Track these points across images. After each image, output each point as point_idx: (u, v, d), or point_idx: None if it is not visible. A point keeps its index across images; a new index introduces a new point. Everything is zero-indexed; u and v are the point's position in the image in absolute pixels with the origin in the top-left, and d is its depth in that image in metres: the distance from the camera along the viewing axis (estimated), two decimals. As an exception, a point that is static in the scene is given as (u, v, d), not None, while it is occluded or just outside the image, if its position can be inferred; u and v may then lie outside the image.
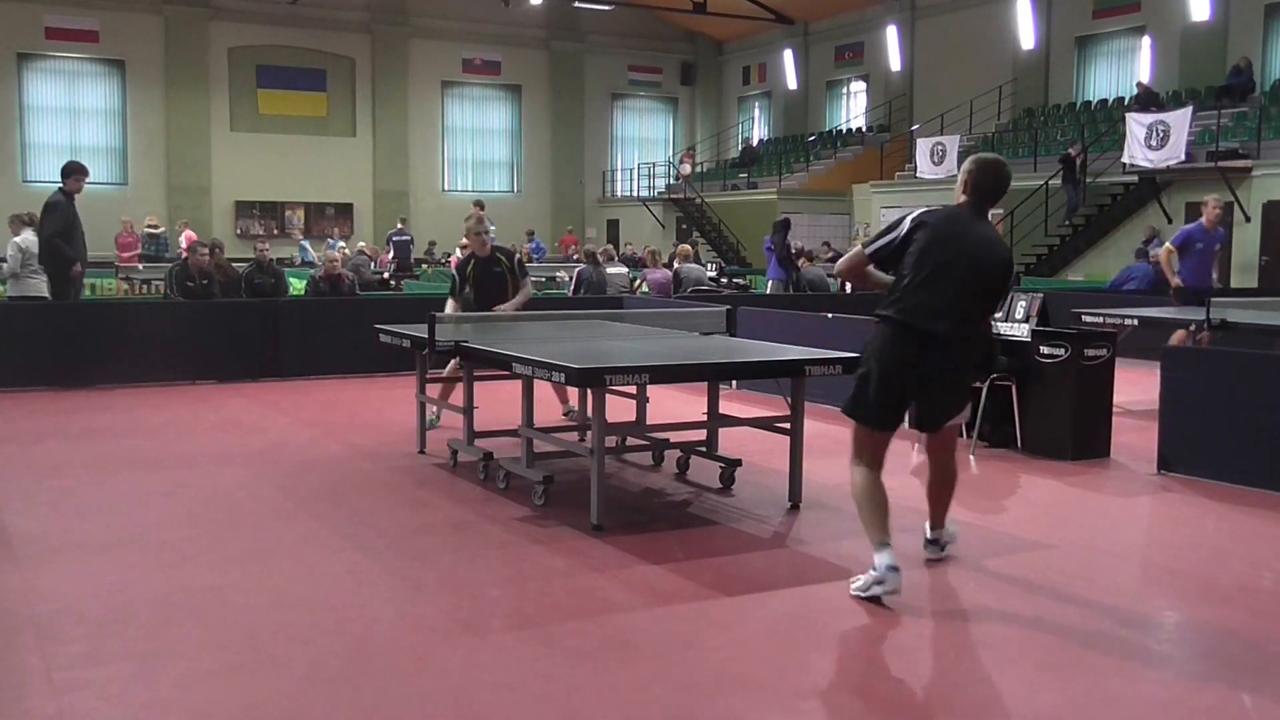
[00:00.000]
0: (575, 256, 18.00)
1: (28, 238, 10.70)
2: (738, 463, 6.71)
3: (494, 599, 4.63)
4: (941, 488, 5.11)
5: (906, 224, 4.77)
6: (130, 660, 3.93)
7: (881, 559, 4.50)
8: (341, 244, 22.85)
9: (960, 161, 25.28)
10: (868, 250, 4.91)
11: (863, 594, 4.55)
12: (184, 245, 20.14)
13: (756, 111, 36.04)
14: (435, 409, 8.09)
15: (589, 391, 6.32)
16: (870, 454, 4.76)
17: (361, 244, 23.34)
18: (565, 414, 8.49)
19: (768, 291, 16.33)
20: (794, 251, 16.80)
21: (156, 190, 29.72)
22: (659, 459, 7.25)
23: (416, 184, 32.74)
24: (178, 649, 4.02)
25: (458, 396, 7.62)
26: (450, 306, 8.25)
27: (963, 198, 4.95)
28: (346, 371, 11.09)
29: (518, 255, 9.24)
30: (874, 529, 4.60)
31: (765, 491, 6.48)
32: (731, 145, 34.98)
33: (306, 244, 26.60)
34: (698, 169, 34.31)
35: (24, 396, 9.76)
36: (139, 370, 10.51)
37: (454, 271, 8.97)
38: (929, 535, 5.22)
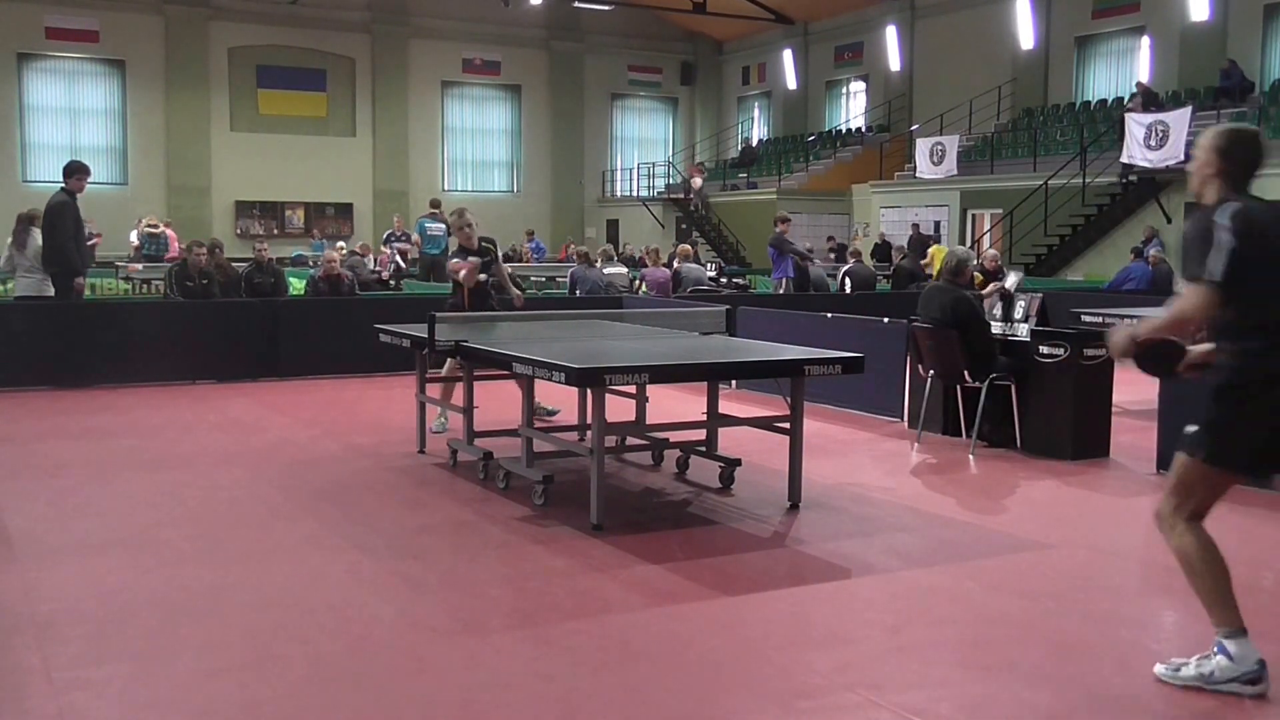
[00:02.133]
0: (574, 257, 18.19)
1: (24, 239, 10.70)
2: (737, 462, 6.71)
3: (494, 599, 4.63)
4: None
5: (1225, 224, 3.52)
6: (130, 660, 3.93)
7: (1247, 651, 3.61)
8: (341, 244, 22.87)
9: (960, 161, 25.34)
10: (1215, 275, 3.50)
11: (1206, 686, 3.67)
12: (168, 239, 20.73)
13: (756, 111, 36.03)
14: (441, 412, 8.10)
15: (589, 391, 6.32)
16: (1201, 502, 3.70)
17: (351, 244, 23.44)
18: (541, 413, 8.35)
19: (779, 290, 16.30)
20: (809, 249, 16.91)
21: (156, 190, 29.71)
22: (659, 459, 7.26)
23: (416, 184, 32.72)
24: (178, 649, 4.02)
25: (458, 396, 7.62)
26: (453, 261, 8.59)
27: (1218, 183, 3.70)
28: (346, 371, 11.09)
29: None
30: (1221, 607, 3.62)
31: (765, 491, 6.48)
32: (731, 145, 34.97)
33: (323, 243, 26.54)
34: (693, 164, 34.34)
35: (24, 396, 9.76)
36: (139, 370, 10.51)
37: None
38: None
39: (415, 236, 19.66)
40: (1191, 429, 3.69)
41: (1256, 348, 3.54)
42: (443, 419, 8.17)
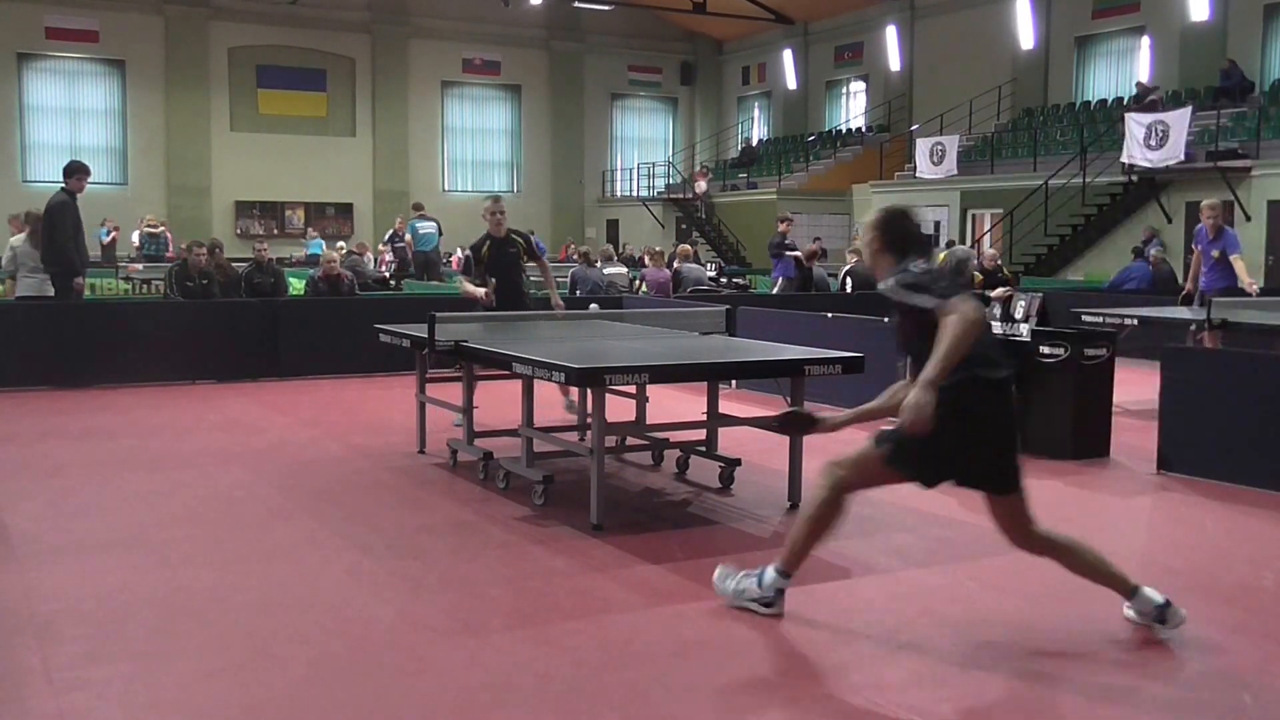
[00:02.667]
0: (574, 257, 18.39)
1: (22, 238, 10.70)
2: (737, 462, 6.71)
3: (494, 599, 4.63)
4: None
5: None
6: (130, 660, 3.93)
7: (777, 583, 4.31)
8: (341, 244, 22.94)
9: (960, 161, 25.39)
10: None
11: (737, 604, 4.35)
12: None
13: (756, 111, 36.04)
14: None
15: (589, 391, 6.32)
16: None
17: (349, 244, 23.57)
18: (566, 408, 8.45)
19: (776, 290, 16.30)
20: (813, 251, 16.89)
21: (156, 190, 29.72)
22: (659, 459, 7.25)
23: (416, 184, 32.72)
24: (178, 649, 4.02)
25: (466, 395, 7.59)
26: (466, 285, 8.65)
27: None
28: (346, 371, 11.09)
29: (533, 236, 9.62)
30: (798, 555, 4.30)
31: (765, 491, 6.48)
32: (731, 145, 34.98)
33: (319, 243, 26.58)
34: (697, 169, 34.29)
35: (24, 396, 9.76)
36: (139, 370, 10.51)
37: (469, 251, 9.20)
38: (1140, 611, 4.23)
39: (408, 237, 20.19)
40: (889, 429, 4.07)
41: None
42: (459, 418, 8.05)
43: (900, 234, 4.21)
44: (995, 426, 4.00)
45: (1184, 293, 11.06)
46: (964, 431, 3.91)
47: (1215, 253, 10.58)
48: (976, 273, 11.48)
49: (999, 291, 10.34)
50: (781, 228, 16.63)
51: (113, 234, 23.16)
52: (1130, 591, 4.18)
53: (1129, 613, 4.26)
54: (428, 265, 19.57)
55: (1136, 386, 9.33)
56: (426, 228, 19.73)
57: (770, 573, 4.29)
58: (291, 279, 14.27)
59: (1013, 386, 4.00)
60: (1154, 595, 4.16)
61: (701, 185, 29.88)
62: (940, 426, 3.74)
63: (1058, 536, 4.22)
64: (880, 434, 4.10)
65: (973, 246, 21.21)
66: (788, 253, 16.29)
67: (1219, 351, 8.11)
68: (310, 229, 29.49)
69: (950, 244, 22.72)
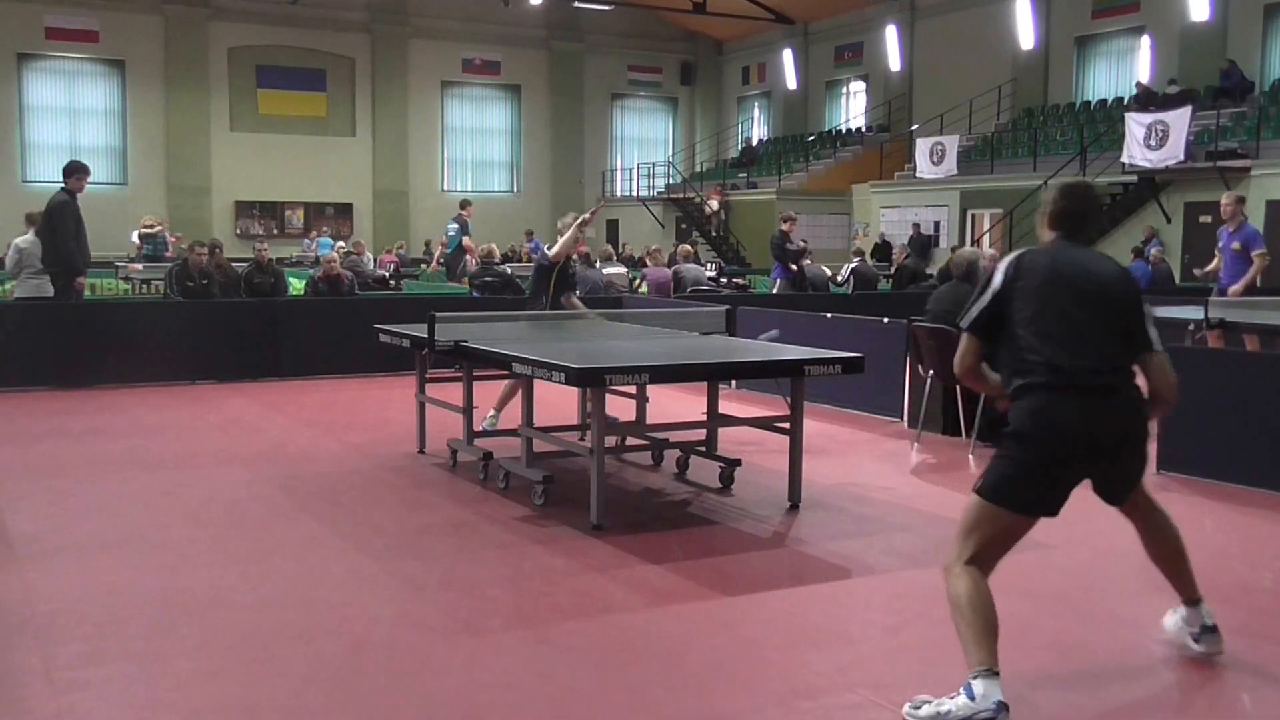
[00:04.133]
0: (574, 258, 18.16)
1: (28, 238, 10.70)
2: (737, 462, 6.71)
3: (494, 599, 4.63)
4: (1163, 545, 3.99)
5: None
6: (130, 660, 3.93)
7: (991, 690, 3.38)
8: (340, 244, 22.86)
9: (960, 162, 25.37)
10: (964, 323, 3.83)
11: None
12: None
13: (756, 111, 36.04)
14: (493, 412, 7.80)
15: (589, 391, 6.32)
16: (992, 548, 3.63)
17: (347, 243, 23.44)
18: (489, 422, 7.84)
19: (775, 290, 16.29)
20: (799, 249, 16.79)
21: (156, 190, 29.73)
22: (659, 459, 7.25)
23: (416, 184, 32.74)
24: (178, 649, 4.02)
25: (466, 395, 7.60)
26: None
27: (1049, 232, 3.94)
28: (346, 371, 11.09)
29: (534, 238, 9.29)
30: (979, 648, 3.46)
31: (765, 491, 6.48)
32: (731, 145, 34.98)
33: (313, 242, 26.58)
34: (697, 169, 34.32)
35: (24, 396, 9.76)
36: (139, 370, 10.50)
37: (540, 271, 8.47)
38: (1188, 619, 4.00)
39: (443, 238, 19.74)
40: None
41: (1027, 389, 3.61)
42: (493, 417, 7.82)
43: (1077, 212, 3.86)
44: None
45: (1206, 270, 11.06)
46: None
47: (1236, 244, 10.61)
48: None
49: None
50: (784, 227, 16.55)
51: (160, 228, 22.33)
52: (1194, 600, 3.96)
53: (1171, 621, 4.06)
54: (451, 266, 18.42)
55: (1136, 386, 9.33)
56: (452, 227, 18.69)
57: (976, 684, 3.41)
58: (292, 279, 14.27)
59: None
60: (1209, 614, 3.95)
61: (714, 203, 29.30)
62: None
63: (1160, 510, 3.96)
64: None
65: (973, 246, 21.23)
66: (791, 263, 16.16)
67: (1219, 351, 8.11)
68: (313, 232, 29.44)
69: (953, 247, 22.77)
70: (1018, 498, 3.59)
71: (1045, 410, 3.56)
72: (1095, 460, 3.61)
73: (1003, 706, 3.35)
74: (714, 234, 28.76)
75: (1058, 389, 3.55)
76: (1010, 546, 3.64)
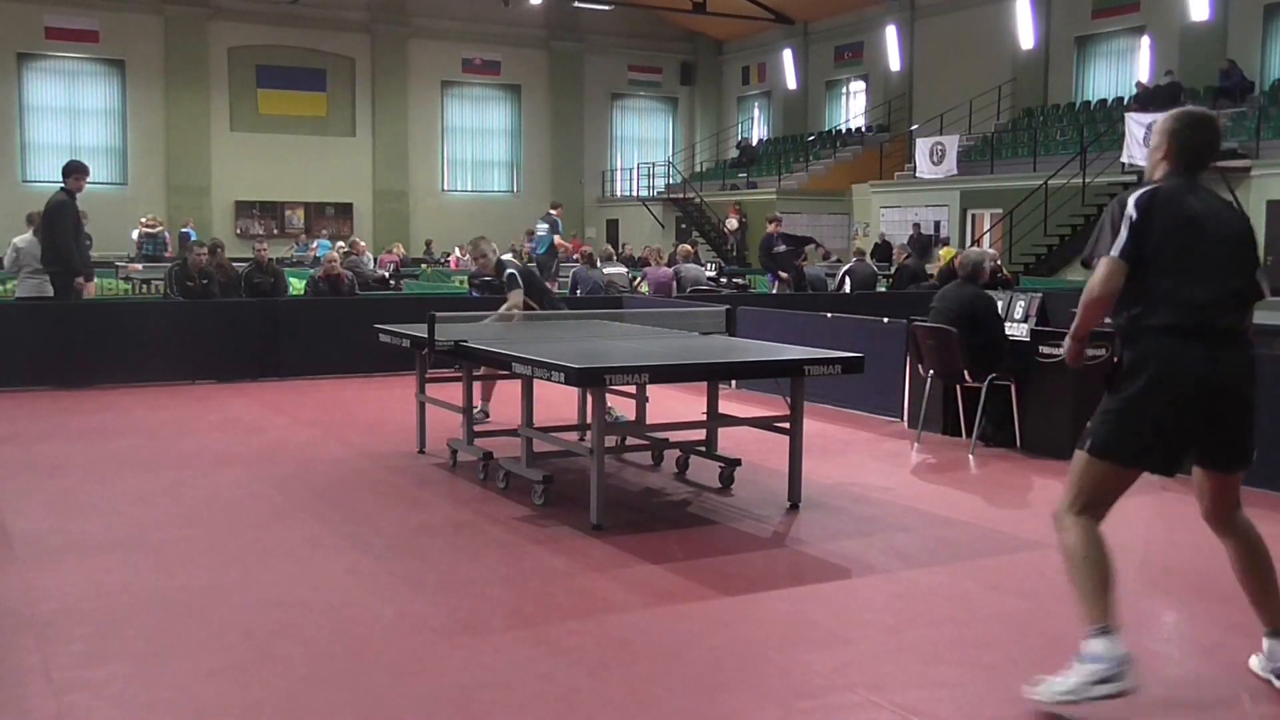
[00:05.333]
0: (575, 258, 18.08)
1: (26, 238, 10.71)
2: (737, 462, 6.71)
3: (494, 599, 4.63)
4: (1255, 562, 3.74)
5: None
6: (130, 660, 3.93)
7: (1109, 647, 3.34)
8: (340, 243, 22.85)
9: (960, 161, 25.35)
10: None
11: (1076, 698, 3.36)
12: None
13: (756, 111, 36.03)
14: (480, 404, 8.09)
15: (588, 391, 6.32)
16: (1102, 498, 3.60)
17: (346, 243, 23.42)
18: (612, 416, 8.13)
19: (773, 290, 16.30)
20: (792, 250, 16.78)
21: (156, 190, 29.73)
22: (659, 459, 7.26)
23: (416, 184, 32.73)
24: (178, 649, 4.02)
25: (466, 395, 7.61)
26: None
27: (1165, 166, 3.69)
28: (346, 371, 11.09)
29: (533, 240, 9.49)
30: (1095, 605, 3.45)
31: (765, 491, 6.48)
32: (731, 145, 34.98)
33: (312, 243, 26.56)
34: (697, 169, 34.30)
35: (24, 396, 9.76)
36: (139, 370, 10.50)
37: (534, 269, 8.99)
38: (1270, 654, 3.76)
39: (526, 241, 19.56)
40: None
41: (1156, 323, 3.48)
42: (483, 409, 8.17)
43: (1206, 145, 3.64)
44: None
45: None
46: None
47: None
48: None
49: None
50: (770, 229, 16.49)
51: (187, 225, 22.20)
52: (1276, 631, 3.73)
53: (1257, 662, 3.79)
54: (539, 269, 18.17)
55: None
56: (541, 228, 18.65)
57: (1093, 643, 3.40)
58: (292, 279, 14.27)
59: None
60: None
61: (732, 223, 28.74)
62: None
63: (1254, 532, 3.83)
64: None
65: (973, 246, 21.23)
66: (781, 270, 16.12)
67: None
68: (302, 236, 29.36)
69: (945, 240, 22.78)
70: (1126, 449, 3.55)
71: (1169, 348, 3.47)
72: (1211, 405, 3.50)
73: (1125, 660, 3.27)
74: (732, 253, 28.02)
75: (1184, 329, 3.47)
76: (1118, 497, 3.59)
